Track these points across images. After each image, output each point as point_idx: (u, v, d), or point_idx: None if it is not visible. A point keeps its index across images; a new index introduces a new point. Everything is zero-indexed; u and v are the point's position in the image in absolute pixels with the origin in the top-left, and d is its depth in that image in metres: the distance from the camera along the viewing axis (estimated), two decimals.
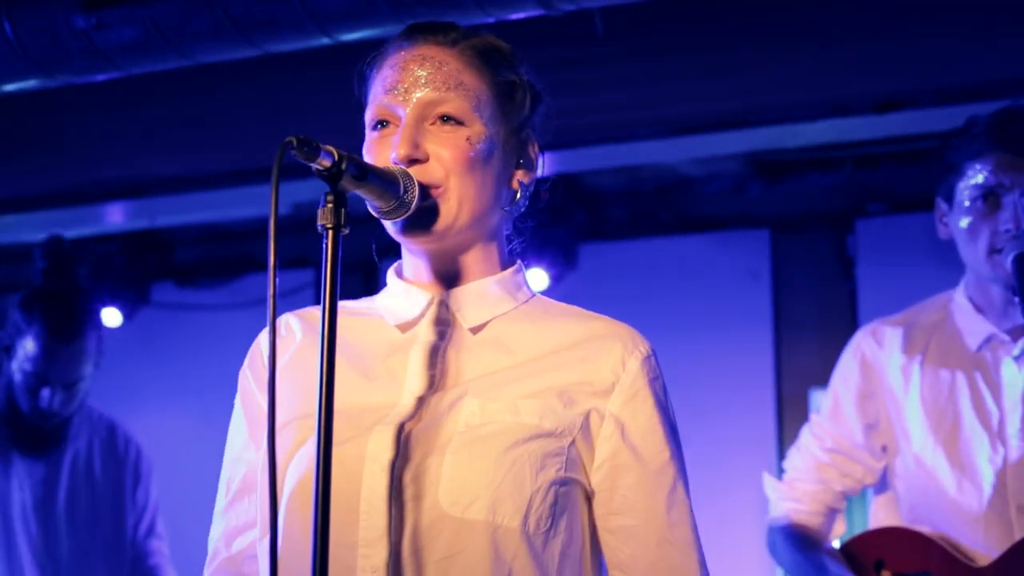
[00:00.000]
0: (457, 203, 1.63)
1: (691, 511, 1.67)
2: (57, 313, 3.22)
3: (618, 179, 4.88)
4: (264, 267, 4.40)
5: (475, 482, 1.53)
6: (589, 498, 1.64)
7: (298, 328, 1.75)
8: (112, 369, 3.84)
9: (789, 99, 3.78)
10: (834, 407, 2.80)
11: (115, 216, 5.18)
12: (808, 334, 4.81)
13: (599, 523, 1.65)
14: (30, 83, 3.33)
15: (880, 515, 2.82)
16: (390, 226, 1.63)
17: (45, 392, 3.20)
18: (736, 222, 4.97)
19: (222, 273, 5.82)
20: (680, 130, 4.06)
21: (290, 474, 1.59)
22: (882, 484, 2.81)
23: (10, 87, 3.37)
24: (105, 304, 5.13)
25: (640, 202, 4.99)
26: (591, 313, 1.74)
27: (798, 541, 2.75)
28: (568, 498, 1.60)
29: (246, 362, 1.79)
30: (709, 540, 1.71)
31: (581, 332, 1.68)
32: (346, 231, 1.44)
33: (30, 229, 4.97)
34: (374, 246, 1.72)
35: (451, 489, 1.53)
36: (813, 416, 2.88)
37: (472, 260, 1.71)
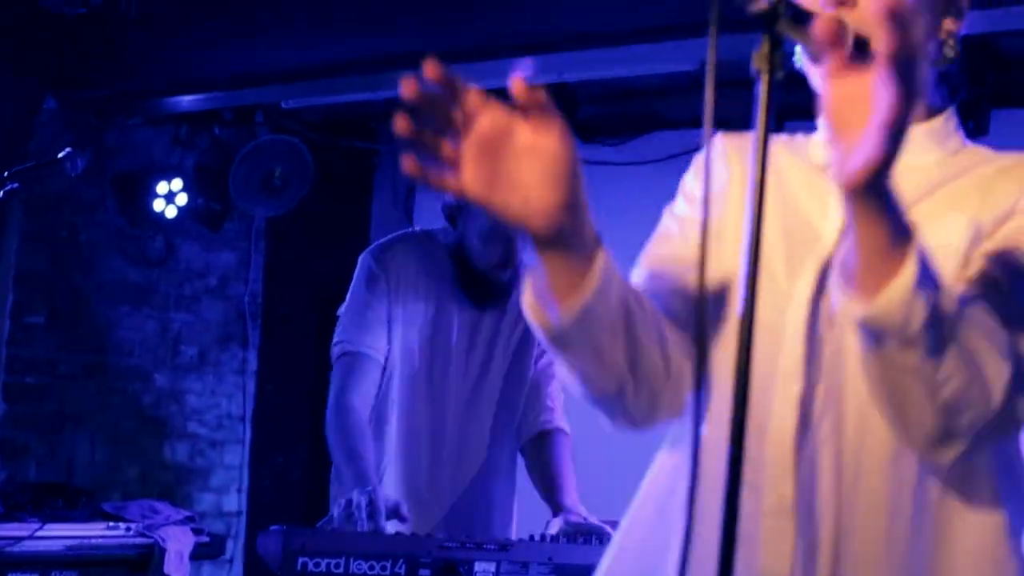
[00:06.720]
0: None
1: None
2: None
3: None
4: (667, 126, 5.26)
5: None
6: None
7: (733, 156, 1.69)
8: None
9: None
10: None
11: (523, 71, 4.77)
12: None
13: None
14: None
15: None
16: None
17: (496, 246, 3.30)
18: None
19: (625, 130, 5.35)
20: None
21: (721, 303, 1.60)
22: None
23: None
24: None
25: None
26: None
27: None
28: None
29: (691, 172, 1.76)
30: None
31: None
32: (780, 75, 1.24)
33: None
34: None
35: None
36: None
37: None
